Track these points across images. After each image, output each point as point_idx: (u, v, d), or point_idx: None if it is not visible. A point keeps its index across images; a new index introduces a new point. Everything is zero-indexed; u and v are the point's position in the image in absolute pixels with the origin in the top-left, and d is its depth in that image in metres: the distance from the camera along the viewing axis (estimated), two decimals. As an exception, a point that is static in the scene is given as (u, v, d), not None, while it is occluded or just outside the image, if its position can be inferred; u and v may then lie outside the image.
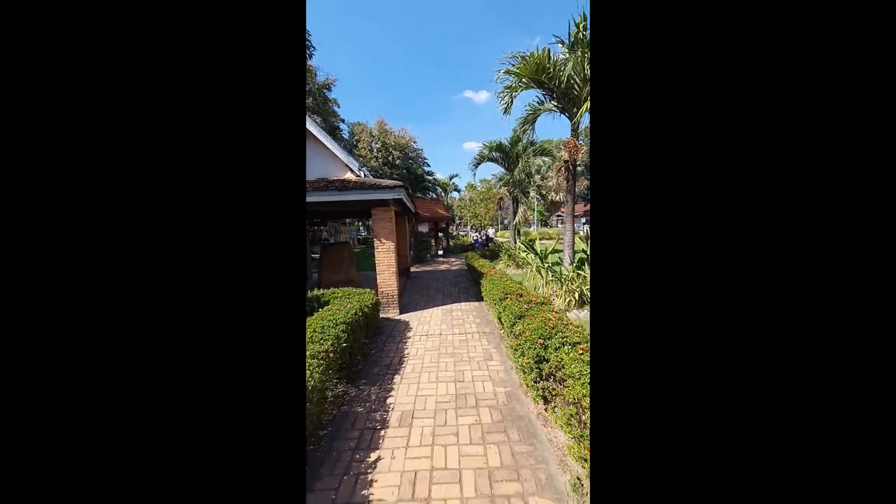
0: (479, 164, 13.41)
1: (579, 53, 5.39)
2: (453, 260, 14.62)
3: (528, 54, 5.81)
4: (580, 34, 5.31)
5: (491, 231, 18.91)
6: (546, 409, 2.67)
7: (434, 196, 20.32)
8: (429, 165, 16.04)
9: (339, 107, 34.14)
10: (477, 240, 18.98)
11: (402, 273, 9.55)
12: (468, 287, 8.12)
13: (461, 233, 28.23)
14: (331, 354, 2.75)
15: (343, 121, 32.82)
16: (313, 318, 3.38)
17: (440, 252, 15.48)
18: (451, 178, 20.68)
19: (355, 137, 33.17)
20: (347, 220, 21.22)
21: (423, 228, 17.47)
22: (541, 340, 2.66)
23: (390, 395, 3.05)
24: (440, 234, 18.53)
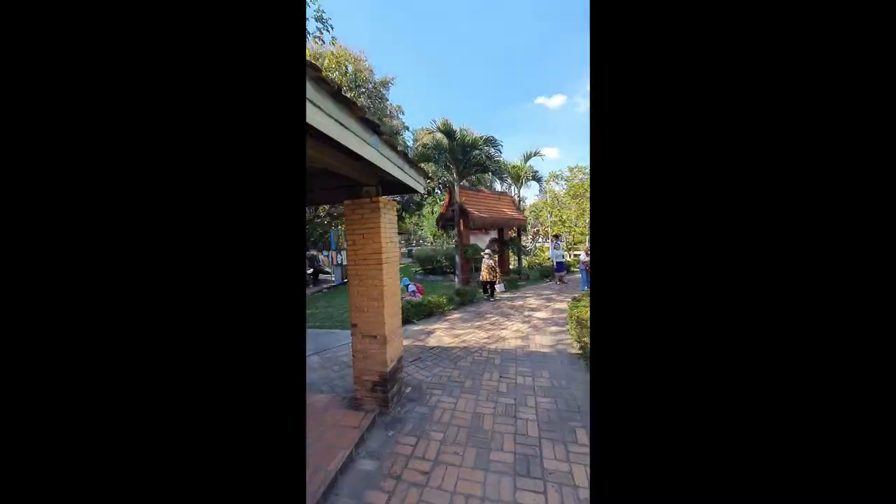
0: None
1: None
2: (532, 302, 7.43)
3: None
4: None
5: (558, 243, 10.05)
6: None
7: (498, 188, 13.31)
8: (500, 150, 8.65)
9: (403, 113, 30.09)
10: (559, 261, 9.88)
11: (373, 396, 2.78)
12: None
13: (537, 244, 20.47)
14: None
15: (407, 128, 28.58)
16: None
17: (500, 287, 7.83)
18: (529, 157, 13.30)
19: (418, 143, 28.56)
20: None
21: (481, 240, 10.61)
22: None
23: None
24: (506, 248, 11.38)
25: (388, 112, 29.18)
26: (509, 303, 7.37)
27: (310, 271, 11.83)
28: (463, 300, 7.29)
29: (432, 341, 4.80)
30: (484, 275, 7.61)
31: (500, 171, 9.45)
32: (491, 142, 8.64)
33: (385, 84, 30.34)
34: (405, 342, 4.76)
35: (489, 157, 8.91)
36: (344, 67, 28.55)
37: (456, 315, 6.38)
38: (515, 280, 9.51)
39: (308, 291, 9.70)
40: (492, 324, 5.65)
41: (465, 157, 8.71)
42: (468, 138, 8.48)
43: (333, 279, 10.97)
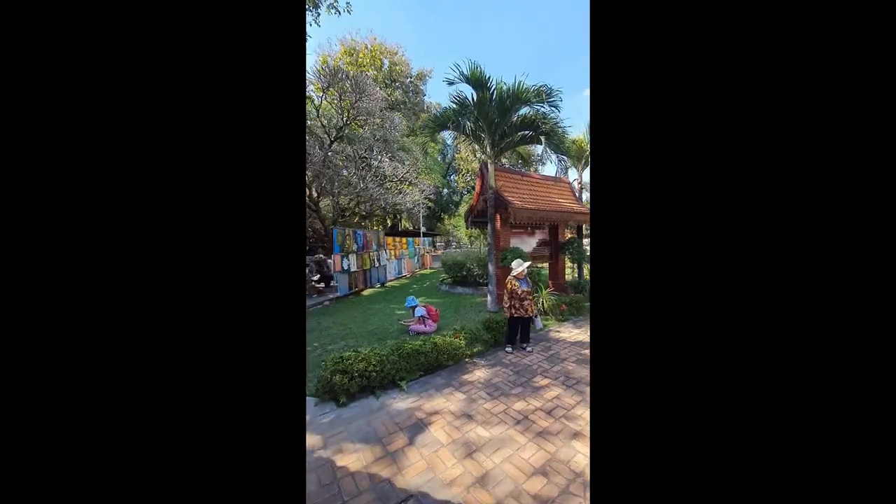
0: None
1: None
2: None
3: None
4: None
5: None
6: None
7: (553, 171, 10.17)
8: (558, 106, 5.53)
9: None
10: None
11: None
12: None
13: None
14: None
15: (446, 127, 26.63)
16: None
17: (538, 323, 4.40)
18: (592, 127, 10.07)
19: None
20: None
21: (525, 242, 7.70)
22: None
23: None
24: (561, 253, 8.28)
25: (425, 107, 27.15)
26: (576, 347, 4.37)
27: (316, 277, 9.73)
28: (495, 337, 4.45)
29: (414, 466, 2.04)
30: (528, 306, 4.15)
31: (556, 138, 6.36)
32: (545, 94, 5.64)
33: (422, 77, 28.33)
34: (353, 456, 2.01)
35: (542, 118, 5.92)
36: (379, 62, 26.52)
37: (479, 372, 3.57)
38: (578, 301, 6.40)
39: (307, 303, 7.53)
40: (547, 408, 2.75)
41: (503, 118, 5.84)
42: (507, 90, 5.59)
43: (337, 289, 8.69)
